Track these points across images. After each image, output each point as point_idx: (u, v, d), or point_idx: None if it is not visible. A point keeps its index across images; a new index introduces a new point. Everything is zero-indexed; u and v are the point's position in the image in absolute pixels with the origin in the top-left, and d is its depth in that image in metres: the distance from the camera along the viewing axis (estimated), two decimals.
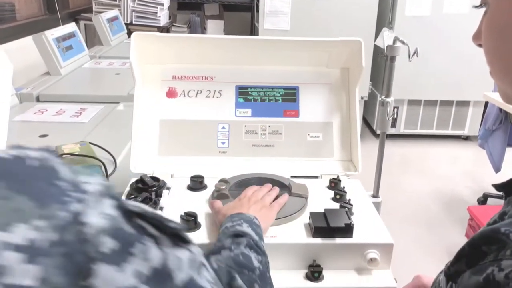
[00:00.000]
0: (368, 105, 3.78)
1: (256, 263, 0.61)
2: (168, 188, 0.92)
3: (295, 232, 0.80)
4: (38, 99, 1.99)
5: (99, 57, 2.75)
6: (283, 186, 0.92)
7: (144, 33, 0.98)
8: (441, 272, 0.57)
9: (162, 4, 3.92)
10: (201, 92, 1.07)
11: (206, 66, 1.07)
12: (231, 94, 1.08)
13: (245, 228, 0.67)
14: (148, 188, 0.86)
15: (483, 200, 2.75)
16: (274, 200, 0.84)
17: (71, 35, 2.51)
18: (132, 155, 0.98)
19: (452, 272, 0.49)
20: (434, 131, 3.78)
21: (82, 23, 3.69)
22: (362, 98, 3.45)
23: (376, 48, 3.25)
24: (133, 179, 0.93)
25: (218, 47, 1.06)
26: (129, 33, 3.47)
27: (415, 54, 0.97)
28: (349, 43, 1.02)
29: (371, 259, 0.76)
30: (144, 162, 1.00)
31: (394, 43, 1.00)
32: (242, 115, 1.07)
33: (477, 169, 3.36)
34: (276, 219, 0.81)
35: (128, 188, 0.91)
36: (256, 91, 1.08)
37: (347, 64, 1.09)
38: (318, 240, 0.77)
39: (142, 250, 0.32)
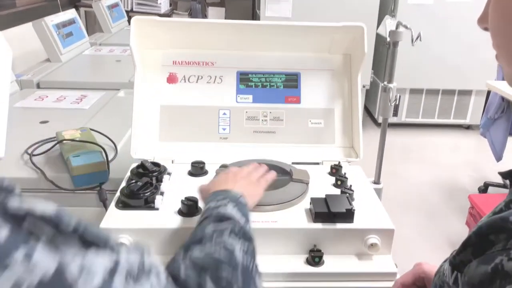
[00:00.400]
0: (370, 94, 3.77)
1: (239, 256, 0.54)
2: (169, 174, 0.92)
3: (296, 217, 0.79)
4: (38, 86, 1.98)
5: (100, 44, 2.73)
6: (284, 172, 0.92)
7: (144, 18, 0.97)
8: (445, 261, 0.56)
9: None
10: (201, 77, 1.06)
11: (207, 52, 1.06)
12: (232, 80, 1.07)
13: (230, 209, 0.62)
14: (149, 173, 0.86)
15: (484, 189, 2.75)
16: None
17: (71, 22, 2.49)
18: (133, 140, 0.98)
19: (458, 261, 0.48)
20: (435, 120, 3.77)
21: (82, 9, 3.66)
22: (364, 87, 3.43)
23: (378, 37, 3.23)
24: (134, 165, 0.93)
25: (219, 32, 1.05)
26: (130, 20, 3.45)
27: (418, 39, 0.95)
28: (351, 29, 1.01)
29: (371, 244, 0.76)
30: (145, 148, 1.00)
31: (397, 28, 0.99)
32: (243, 101, 1.07)
33: (478, 158, 3.36)
34: (277, 204, 0.81)
35: (128, 173, 0.91)
36: (257, 77, 1.07)
37: (349, 50, 1.08)
38: (319, 225, 0.77)
39: (23, 259, 0.28)
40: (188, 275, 0.50)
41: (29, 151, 1.28)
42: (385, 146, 1.20)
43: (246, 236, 0.58)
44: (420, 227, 2.47)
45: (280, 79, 1.08)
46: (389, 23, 1.10)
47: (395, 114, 3.74)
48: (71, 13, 2.54)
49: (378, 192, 0.93)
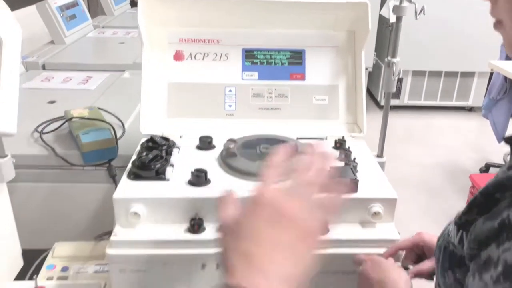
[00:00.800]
0: (372, 76, 3.77)
1: None
2: (178, 148, 0.95)
3: None
4: (43, 67, 2.00)
5: (103, 27, 2.74)
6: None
7: None
8: (449, 224, 0.59)
9: None
10: (207, 55, 1.08)
11: (213, 29, 1.08)
12: (237, 57, 1.09)
13: None
14: (159, 147, 0.89)
15: (485, 169, 2.78)
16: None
17: (74, 4, 2.49)
18: (142, 116, 1.01)
19: (464, 221, 0.50)
20: (438, 102, 3.78)
21: None
22: (366, 69, 3.44)
23: (381, 19, 3.21)
24: (144, 139, 0.95)
25: (224, 9, 1.07)
26: (132, 3, 3.43)
27: (422, 12, 0.97)
28: (356, 6, 1.02)
29: (375, 213, 0.79)
30: (153, 124, 1.02)
31: (400, 3, 1.00)
32: (248, 78, 1.09)
33: (480, 139, 3.38)
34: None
35: (139, 147, 0.94)
36: (263, 54, 1.09)
37: (353, 27, 1.09)
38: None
39: None
40: None
41: (39, 129, 1.31)
42: (387, 128, 1.22)
43: None
44: (421, 206, 2.50)
45: (285, 56, 1.10)
46: (392, 4, 1.11)
47: (397, 96, 3.75)
48: None
49: (382, 165, 0.96)
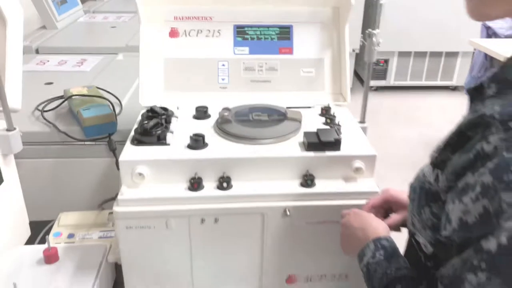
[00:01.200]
0: (360, 58, 3.85)
1: None
2: (176, 117, 1.02)
3: (291, 148, 0.91)
4: (37, 52, 2.04)
5: (93, 12, 2.77)
6: (279, 113, 1.03)
7: None
8: (421, 169, 0.66)
9: None
10: (201, 31, 1.15)
11: (205, 7, 1.14)
12: (229, 33, 1.15)
13: None
14: (158, 116, 0.96)
15: None
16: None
17: None
18: (140, 90, 1.07)
19: (439, 161, 0.58)
20: (423, 82, 3.88)
21: None
22: (353, 51, 3.51)
23: (368, 3, 3.28)
24: (143, 110, 1.02)
25: None
26: None
27: None
28: None
29: (356, 168, 0.87)
30: (152, 96, 1.09)
31: None
32: (240, 53, 1.16)
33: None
34: (274, 137, 0.92)
35: (139, 118, 1.01)
36: (253, 30, 1.16)
37: (337, 4, 1.16)
38: (311, 154, 0.88)
39: None
40: None
41: (40, 107, 1.37)
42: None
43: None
44: (406, 181, 2.61)
45: (274, 32, 1.17)
46: None
47: (384, 77, 3.84)
48: None
49: (364, 130, 1.04)
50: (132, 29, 2.16)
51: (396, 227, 0.81)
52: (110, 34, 2.29)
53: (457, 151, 0.54)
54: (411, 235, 0.68)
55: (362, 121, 1.09)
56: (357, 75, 4.05)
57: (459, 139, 0.54)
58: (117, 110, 1.32)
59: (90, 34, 2.43)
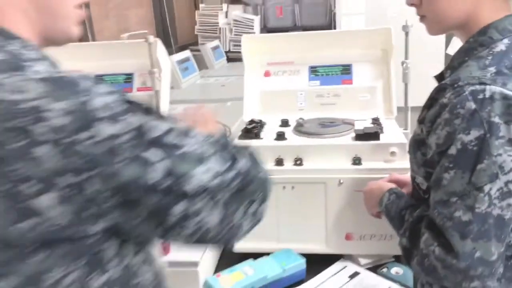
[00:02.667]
0: None
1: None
2: (267, 125, 1.49)
3: (345, 139, 1.31)
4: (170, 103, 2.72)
5: (208, 76, 3.51)
6: (338, 120, 1.44)
7: (249, 35, 1.59)
8: (414, 130, 0.97)
9: (254, 33, 4.66)
10: (286, 71, 1.64)
11: (288, 55, 1.64)
12: (305, 72, 1.63)
13: None
14: (256, 123, 1.44)
15: None
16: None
17: (187, 59, 3.29)
18: (244, 111, 1.58)
19: (421, 118, 0.87)
20: None
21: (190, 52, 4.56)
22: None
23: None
24: (247, 123, 1.51)
25: (296, 41, 1.63)
26: (228, 59, 4.24)
27: None
28: (383, 30, 1.52)
29: (391, 152, 1.23)
30: (252, 115, 1.59)
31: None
32: (313, 85, 1.61)
33: None
34: (331, 133, 1.33)
35: (243, 127, 1.50)
36: (323, 69, 1.62)
37: (385, 46, 1.58)
38: (358, 142, 1.27)
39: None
40: None
41: None
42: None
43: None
44: None
45: (338, 69, 1.61)
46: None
47: None
48: (186, 53, 3.36)
49: (406, 134, 1.39)
50: (238, 87, 2.79)
51: None
52: (220, 91, 2.94)
53: (430, 109, 0.88)
54: (413, 179, 1.00)
55: (405, 128, 1.44)
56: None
57: (431, 102, 0.89)
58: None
59: (206, 90, 3.12)
